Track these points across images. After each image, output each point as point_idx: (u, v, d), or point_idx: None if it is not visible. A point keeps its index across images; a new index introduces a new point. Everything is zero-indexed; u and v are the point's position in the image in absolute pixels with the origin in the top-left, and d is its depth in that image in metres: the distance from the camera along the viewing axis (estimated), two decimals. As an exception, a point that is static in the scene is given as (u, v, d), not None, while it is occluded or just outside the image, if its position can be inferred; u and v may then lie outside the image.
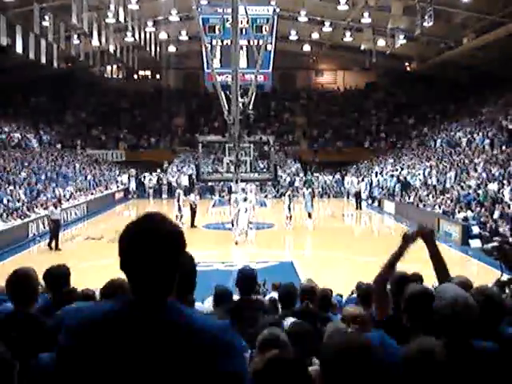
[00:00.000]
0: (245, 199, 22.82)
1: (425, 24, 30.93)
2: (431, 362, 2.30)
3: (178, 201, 25.61)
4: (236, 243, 21.43)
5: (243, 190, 24.73)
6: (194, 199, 26.66)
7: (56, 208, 21.44)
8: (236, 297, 5.63)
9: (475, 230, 20.59)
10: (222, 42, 28.30)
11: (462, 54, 37.51)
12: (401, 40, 36.49)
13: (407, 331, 3.23)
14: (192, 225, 25.70)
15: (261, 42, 26.70)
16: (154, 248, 1.90)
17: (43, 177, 31.21)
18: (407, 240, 3.83)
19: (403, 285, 3.59)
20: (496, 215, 20.24)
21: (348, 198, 38.40)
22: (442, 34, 37.41)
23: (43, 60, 33.25)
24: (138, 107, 49.95)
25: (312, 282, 5.45)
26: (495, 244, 4.25)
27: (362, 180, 37.66)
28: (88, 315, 1.96)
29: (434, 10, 30.10)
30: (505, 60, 35.38)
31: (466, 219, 21.75)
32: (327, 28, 40.27)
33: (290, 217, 25.45)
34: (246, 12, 26.59)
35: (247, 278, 5.55)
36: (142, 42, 39.38)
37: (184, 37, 43.47)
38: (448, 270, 3.92)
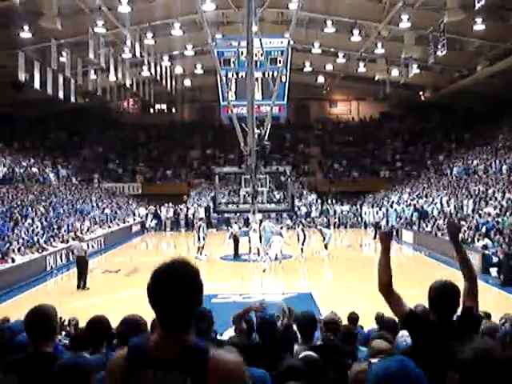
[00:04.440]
0: (280, 234, 23.39)
1: (438, 53, 31.02)
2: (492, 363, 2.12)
3: (199, 232, 25.73)
4: (264, 271, 21.64)
5: (273, 228, 24.96)
6: (236, 229, 27.21)
7: (82, 242, 20.54)
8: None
9: (495, 258, 20.28)
10: (237, 74, 28.48)
11: (476, 81, 37.46)
12: (414, 69, 36.63)
13: (433, 325, 3.58)
14: (236, 254, 26.11)
15: (275, 74, 26.78)
16: (175, 292, 2.24)
17: (61, 211, 31.29)
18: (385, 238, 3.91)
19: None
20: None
21: (366, 228, 38.16)
22: (456, 63, 37.53)
23: (61, 95, 33.80)
24: (154, 140, 50.33)
25: (335, 315, 5.34)
26: None
27: (380, 209, 37.40)
28: None
29: (447, 39, 30.19)
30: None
31: (485, 247, 21.42)
32: (341, 59, 40.51)
33: (302, 249, 25.42)
34: (261, 45, 26.80)
35: (268, 326, 5.44)
36: (158, 76, 39.86)
37: (199, 70, 44.01)
38: (473, 268, 3.94)
